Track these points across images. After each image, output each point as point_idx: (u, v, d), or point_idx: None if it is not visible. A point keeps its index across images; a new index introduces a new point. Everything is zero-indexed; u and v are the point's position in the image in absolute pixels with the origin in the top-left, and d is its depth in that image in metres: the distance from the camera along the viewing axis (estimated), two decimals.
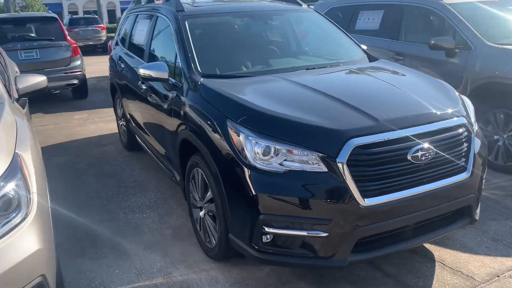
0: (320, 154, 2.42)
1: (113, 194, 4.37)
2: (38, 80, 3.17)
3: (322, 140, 2.46)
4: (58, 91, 9.14)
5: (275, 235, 2.53)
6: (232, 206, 2.68)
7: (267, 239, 2.55)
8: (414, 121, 2.60)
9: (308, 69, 3.54)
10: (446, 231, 2.82)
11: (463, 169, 2.75)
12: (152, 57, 4.18)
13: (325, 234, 2.44)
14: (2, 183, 1.95)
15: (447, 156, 2.66)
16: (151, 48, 4.26)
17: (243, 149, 2.55)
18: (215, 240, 3.01)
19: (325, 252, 2.49)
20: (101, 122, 7.29)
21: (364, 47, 4.19)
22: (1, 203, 1.93)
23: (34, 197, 2.09)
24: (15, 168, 2.05)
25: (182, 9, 3.87)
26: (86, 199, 4.27)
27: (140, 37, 4.65)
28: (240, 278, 2.96)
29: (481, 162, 2.90)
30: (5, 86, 3.02)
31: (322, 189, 2.42)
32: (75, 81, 8.40)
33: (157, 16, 4.23)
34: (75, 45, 8.52)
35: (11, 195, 1.96)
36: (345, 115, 2.63)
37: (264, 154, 2.50)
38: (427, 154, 2.54)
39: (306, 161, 2.45)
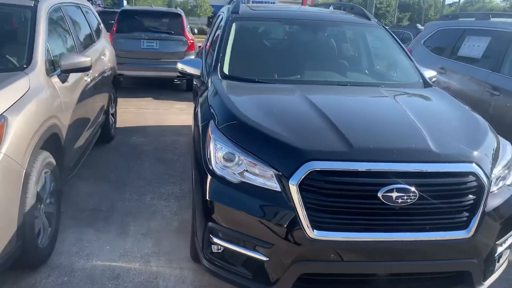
0: (276, 172, 2.23)
1: (154, 179, 4.60)
2: (81, 60, 3.50)
3: (282, 157, 2.26)
4: (178, 82, 9.94)
5: (225, 248, 2.41)
6: (194, 209, 2.63)
7: (217, 250, 2.43)
8: (398, 156, 2.23)
9: (339, 85, 3.28)
10: None
11: (462, 226, 2.28)
12: (208, 55, 4.29)
13: (265, 259, 2.24)
14: None
15: (438, 205, 2.23)
16: (211, 46, 4.38)
17: (209, 153, 2.48)
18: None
19: (264, 278, 2.29)
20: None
21: (432, 72, 3.72)
22: None
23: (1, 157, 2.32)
24: None
25: (236, 11, 3.90)
26: (129, 179, 4.57)
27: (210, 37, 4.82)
28: (208, 284, 2.89)
29: (497, 224, 2.36)
30: (51, 60, 3.39)
31: (270, 209, 2.23)
32: None
33: (220, 16, 4.33)
34: (191, 41, 9.16)
35: None
36: (319, 135, 2.37)
37: (226, 161, 2.39)
38: (405, 197, 2.16)
39: (263, 176, 2.28)
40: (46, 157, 2.94)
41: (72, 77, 3.68)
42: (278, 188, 2.22)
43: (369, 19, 4.10)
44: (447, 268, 2.34)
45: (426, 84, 3.48)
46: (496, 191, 2.43)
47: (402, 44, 3.83)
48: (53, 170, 3.11)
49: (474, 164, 2.29)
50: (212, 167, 2.42)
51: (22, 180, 2.54)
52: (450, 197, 2.26)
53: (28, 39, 3.28)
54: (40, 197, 2.87)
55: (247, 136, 2.42)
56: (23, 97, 2.74)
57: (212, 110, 2.77)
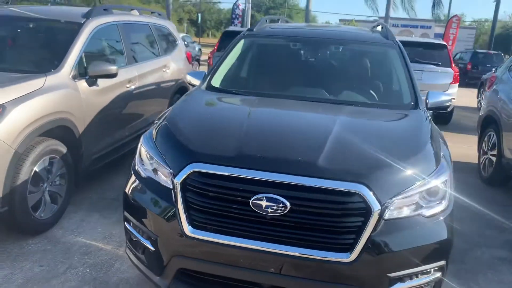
0: (170, 171, 2.41)
1: None
2: (106, 68, 4.10)
3: (176, 158, 2.42)
4: None
5: (133, 236, 2.64)
6: None
7: (134, 238, 2.68)
8: (274, 167, 2.23)
9: (314, 101, 3.26)
10: None
11: (344, 249, 2.16)
12: None
13: (152, 249, 2.43)
14: None
15: (313, 221, 2.16)
16: None
17: (137, 152, 2.77)
18: None
19: (153, 267, 2.47)
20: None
21: (446, 97, 3.48)
22: None
23: None
24: None
25: (251, 29, 4.14)
26: None
27: None
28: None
29: (392, 255, 2.17)
30: (84, 67, 4.07)
31: (159, 204, 2.41)
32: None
33: None
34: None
35: None
36: (216, 141, 2.49)
37: (143, 160, 2.65)
38: (275, 208, 2.15)
39: (164, 174, 2.47)
40: (51, 144, 3.55)
41: (105, 82, 4.30)
42: (170, 186, 2.39)
43: (387, 38, 3.95)
44: None
45: (415, 106, 3.24)
46: (400, 219, 2.22)
47: (409, 66, 3.60)
48: (63, 157, 3.72)
49: (361, 185, 2.15)
50: (135, 164, 2.71)
51: (11, 158, 3.15)
52: (328, 215, 2.16)
53: (65, 49, 3.99)
54: (39, 176, 3.47)
55: (164, 139, 2.63)
56: (31, 93, 3.38)
57: (164, 115, 3.06)
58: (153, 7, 58.58)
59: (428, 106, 3.47)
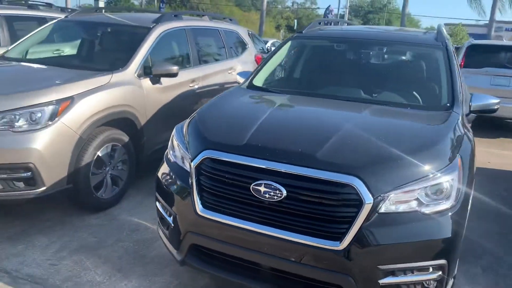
0: (190, 156, 2.70)
1: None
2: (168, 68, 4.52)
3: (195, 145, 2.71)
4: None
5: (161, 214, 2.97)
6: None
7: (162, 216, 2.99)
8: (275, 156, 2.41)
9: (350, 100, 3.34)
10: None
11: (335, 237, 2.27)
12: None
13: (172, 224, 2.74)
14: None
15: (307, 209, 2.30)
16: None
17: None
18: None
19: (173, 241, 2.77)
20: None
21: (494, 100, 3.38)
22: None
23: None
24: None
25: (300, 31, 4.32)
26: None
27: None
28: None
29: (382, 248, 2.23)
30: (149, 67, 4.55)
31: (179, 185, 2.72)
32: None
33: None
34: None
35: None
36: (231, 132, 2.72)
37: (172, 148, 2.98)
38: (272, 193, 2.33)
39: (185, 159, 2.77)
40: (114, 133, 4.06)
41: (169, 81, 4.76)
42: (188, 170, 2.68)
43: (437, 40, 3.88)
44: (319, 277, 2.32)
45: (449, 108, 3.18)
46: (396, 213, 2.27)
47: (453, 68, 3.52)
48: (125, 145, 4.22)
49: (354, 177, 2.24)
50: (167, 153, 3.05)
51: (75, 142, 3.67)
52: (322, 205, 2.28)
53: (133, 50, 4.50)
54: (102, 161, 3.98)
55: (190, 129, 2.92)
56: (97, 88, 3.90)
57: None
58: (252, 14, 60.05)
59: (471, 109, 3.38)
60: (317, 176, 2.29)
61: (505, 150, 7.81)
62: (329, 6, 26.58)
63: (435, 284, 2.37)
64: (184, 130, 2.98)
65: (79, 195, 3.86)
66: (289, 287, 2.46)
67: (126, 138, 4.22)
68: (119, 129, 4.15)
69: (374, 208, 2.23)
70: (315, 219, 2.30)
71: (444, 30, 4.19)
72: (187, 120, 3.11)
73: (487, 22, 32.46)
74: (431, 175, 2.34)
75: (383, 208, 2.25)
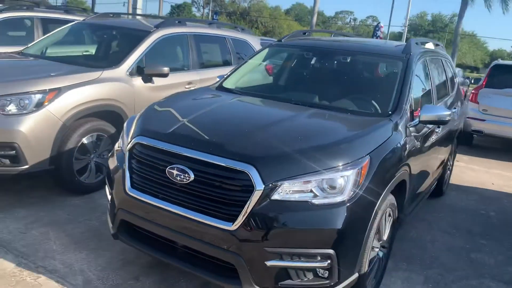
0: (128, 140, 3.01)
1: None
2: (160, 68, 4.90)
3: (134, 133, 3.01)
4: None
5: None
6: None
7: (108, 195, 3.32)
8: (187, 143, 2.67)
9: (297, 104, 3.50)
10: (206, 276, 2.64)
11: (229, 219, 2.48)
12: None
13: (110, 202, 3.06)
14: None
15: (207, 191, 2.54)
16: None
17: None
18: None
19: (110, 215, 3.07)
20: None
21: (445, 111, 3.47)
22: None
23: None
24: None
25: (280, 40, 4.56)
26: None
27: None
28: None
29: (273, 232, 2.42)
30: (140, 66, 4.95)
31: (118, 166, 3.03)
32: None
33: None
34: None
35: None
36: (166, 121, 3.00)
37: (122, 135, 3.29)
38: (182, 176, 2.59)
39: (125, 144, 3.07)
40: (100, 124, 4.47)
41: (163, 81, 5.13)
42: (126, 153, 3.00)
43: (403, 52, 3.97)
44: (217, 255, 2.53)
45: (388, 115, 3.29)
46: (287, 201, 2.45)
47: (407, 79, 3.61)
48: (111, 136, 4.62)
49: (249, 165, 2.45)
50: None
51: (59, 128, 4.10)
52: (220, 188, 2.51)
53: (129, 51, 4.93)
54: (86, 148, 4.40)
55: (138, 121, 3.20)
56: (84, 82, 4.33)
57: None
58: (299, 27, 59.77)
59: (420, 119, 3.47)
60: (218, 162, 2.52)
61: None
62: (379, 23, 26.30)
63: (326, 274, 2.51)
64: (134, 121, 3.31)
65: (61, 177, 4.29)
66: (198, 264, 2.69)
67: (112, 130, 4.62)
68: (105, 120, 4.56)
69: (266, 195, 2.43)
70: (215, 202, 2.53)
71: (422, 45, 4.27)
72: (140, 112, 3.44)
73: None
74: (327, 170, 2.50)
75: (276, 196, 2.44)
